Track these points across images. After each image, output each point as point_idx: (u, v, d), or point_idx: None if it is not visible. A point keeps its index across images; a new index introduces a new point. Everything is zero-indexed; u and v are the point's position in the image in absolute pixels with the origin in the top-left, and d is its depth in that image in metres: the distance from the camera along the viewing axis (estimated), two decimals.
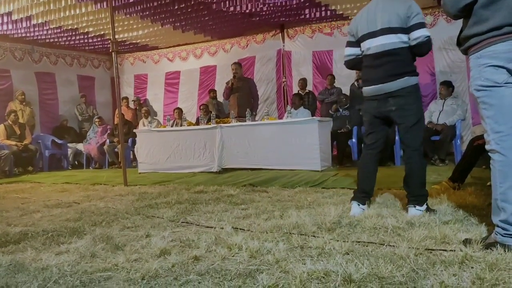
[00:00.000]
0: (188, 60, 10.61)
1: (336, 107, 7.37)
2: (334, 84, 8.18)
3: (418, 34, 2.83)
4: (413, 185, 2.94)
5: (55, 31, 8.40)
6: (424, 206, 2.91)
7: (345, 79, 8.19)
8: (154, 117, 10.01)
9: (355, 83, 7.63)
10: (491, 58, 2.08)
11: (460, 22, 2.34)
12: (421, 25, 2.85)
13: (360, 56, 3.19)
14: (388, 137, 3.50)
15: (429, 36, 2.85)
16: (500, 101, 2.08)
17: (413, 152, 2.96)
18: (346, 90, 7.86)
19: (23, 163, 8.58)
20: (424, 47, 2.87)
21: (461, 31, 2.31)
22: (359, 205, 3.05)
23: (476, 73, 2.16)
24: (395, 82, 2.90)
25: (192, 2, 7.11)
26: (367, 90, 3.08)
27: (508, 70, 2.06)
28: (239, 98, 7.39)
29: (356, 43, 3.17)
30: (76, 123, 10.41)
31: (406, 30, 2.87)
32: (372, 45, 2.99)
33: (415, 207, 2.89)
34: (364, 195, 3.10)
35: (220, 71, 10.01)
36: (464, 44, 2.25)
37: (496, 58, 2.06)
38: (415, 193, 2.92)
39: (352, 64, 3.31)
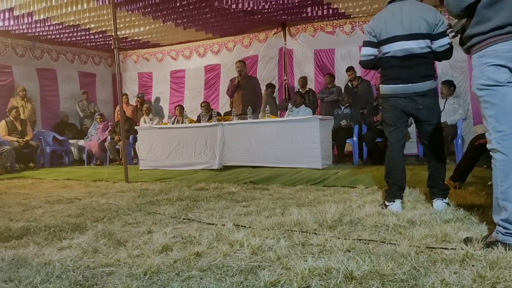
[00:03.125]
0: (192, 58, 10.60)
1: (347, 100, 7.35)
2: (334, 83, 8.19)
3: (445, 42, 3.05)
4: (440, 179, 3.16)
5: (56, 27, 8.40)
6: (447, 200, 3.11)
7: (347, 77, 8.19)
8: (155, 116, 10.00)
9: (349, 84, 7.69)
10: (493, 57, 2.08)
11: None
12: (445, 33, 3.03)
13: (377, 57, 3.28)
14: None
15: (451, 43, 3.09)
16: (502, 100, 2.08)
17: (439, 149, 3.18)
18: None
19: (24, 159, 8.60)
20: (450, 53, 3.13)
21: (464, 30, 2.32)
22: (401, 202, 3.13)
23: (478, 72, 2.15)
24: (425, 83, 3.07)
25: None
26: (395, 88, 3.13)
27: (510, 69, 2.06)
28: (244, 96, 7.36)
29: (376, 44, 3.23)
30: (77, 120, 10.41)
31: (432, 37, 3.05)
32: (401, 48, 3.06)
33: (443, 200, 3.07)
34: (402, 191, 3.18)
35: (224, 70, 10.01)
36: (467, 43, 2.25)
37: (499, 57, 2.06)
38: (443, 187, 3.14)
39: (370, 64, 3.36)
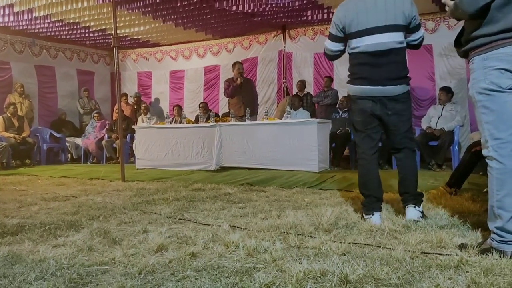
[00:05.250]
0: (192, 59, 10.62)
1: (345, 104, 7.35)
2: (332, 86, 8.21)
3: (420, 34, 2.92)
4: (412, 185, 2.91)
5: (56, 24, 8.39)
6: (421, 208, 2.87)
7: (346, 81, 8.18)
8: (153, 116, 9.99)
9: None
10: (498, 61, 2.03)
11: (460, 26, 2.31)
12: (421, 25, 2.93)
13: (343, 51, 3.05)
14: (385, 140, 3.41)
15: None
16: (501, 107, 2.05)
17: (410, 152, 2.95)
18: (345, 92, 7.87)
19: (20, 156, 8.57)
20: (420, 45, 2.99)
21: (461, 32, 2.26)
22: (379, 214, 2.91)
23: (480, 75, 2.09)
24: (397, 87, 2.82)
25: (195, 0, 7.12)
26: (364, 89, 2.87)
27: None
28: (244, 97, 7.36)
29: (343, 39, 2.96)
30: (76, 117, 10.42)
31: (408, 30, 2.84)
32: (375, 42, 2.77)
33: (415, 207, 2.84)
34: (379, 202, 2.95)
35: (224, 71, 10.02)
36: (467, 44, 2.18)
37: (503, 61, 2.02)
38: (415, 193, 2.89)
39: (336, 58, 3.15)
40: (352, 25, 2.83)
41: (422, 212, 2.86)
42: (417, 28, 2.87)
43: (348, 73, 3.01)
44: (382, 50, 2.78)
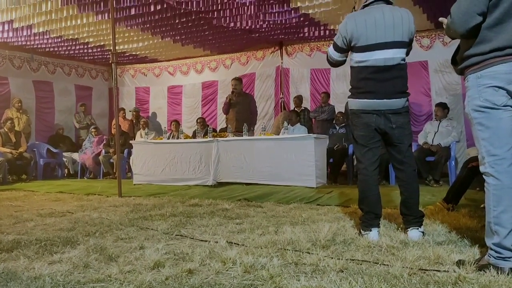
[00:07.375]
0: (190, 74, 10.70)
1: (342, 120, 7.39)
2: (329, 102, 8.27)
3: (411, 48, 2.98)
4: (415, 206, 2.90)
5: (55, 40, 8.44)
6: (423, 228, 2.88)
7: (342, 97, 8.26)
8: (151, 131, 10.00)
9: None
10: (491, 79, 2.07)
11: (455, 43, 2.36)
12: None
13: (344, 62, 3.12)
14: (383, 155, 3.39)
15: None
16: (497, 124, 2.08)
17: (414, 172, 2.95)
18: (342, 108, 7.93)
19: (17, 171, 8.55)
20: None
21: (457, 50, 2.32)
22: (377, 230, 2.90)
23: (474, 93, 2.14)
24: (400, 100, 2.86)
25: (193, 17, 7.20)
26: (370, 103, 2.86)
27: (508, 92, 2.06)
28: (238, 113, 7.42)
29: (347, 50, 3.00)
30: (72, 132, 10.44)
31: (408, 44, 2.90)
32: (383, 57, 2.81)
33: (418, 228, 2.83)
34: (378, 219, 2.94)
35: (221, 87, 10.11)
36: (462, 63, 2.24)
37: (497, 79, 2.06)
38: (418, 214, 2.88)
39: (337, 66, 3.20)
40: (361, 39, 2.84)
41: (423, 232, 2.86)
42: (411, 42, 2.95)
43: (351, 88, 3.01)
44: (390, 65, 2.82)
